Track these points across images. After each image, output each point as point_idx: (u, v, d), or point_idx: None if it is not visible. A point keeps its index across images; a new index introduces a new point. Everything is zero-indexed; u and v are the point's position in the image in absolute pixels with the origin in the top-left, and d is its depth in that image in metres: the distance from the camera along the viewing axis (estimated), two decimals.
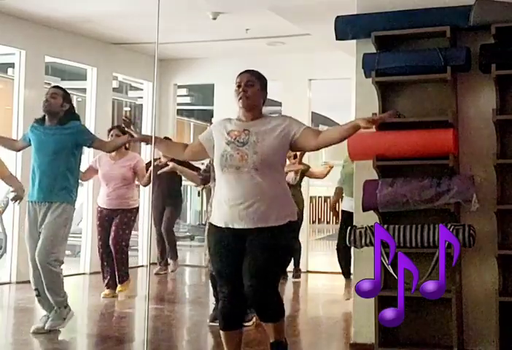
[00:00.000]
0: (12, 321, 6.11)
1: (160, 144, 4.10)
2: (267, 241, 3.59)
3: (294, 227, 3.76)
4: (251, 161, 3.60)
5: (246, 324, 5.61)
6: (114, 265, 6.98)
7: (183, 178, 8.45)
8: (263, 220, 3.60)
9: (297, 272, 8.55)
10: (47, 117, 5.23)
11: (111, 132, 7.07)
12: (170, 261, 8.91)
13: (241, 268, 3.62)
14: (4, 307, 6.79)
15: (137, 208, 7.10)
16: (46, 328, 5.15)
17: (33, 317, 6.36)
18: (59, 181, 5.11)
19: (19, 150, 5.65)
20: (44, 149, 5.15)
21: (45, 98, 5.22)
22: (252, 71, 3.82)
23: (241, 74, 3.79)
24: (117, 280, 7.01)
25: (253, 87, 3.72)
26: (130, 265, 7.16)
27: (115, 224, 6.90)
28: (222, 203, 3.68)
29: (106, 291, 7.01)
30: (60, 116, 5.20)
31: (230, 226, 3.65)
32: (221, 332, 3.77)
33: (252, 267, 3.58)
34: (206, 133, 3.88)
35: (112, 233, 6.89)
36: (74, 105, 5.47)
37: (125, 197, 6.93)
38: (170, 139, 8.47)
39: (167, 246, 8.81)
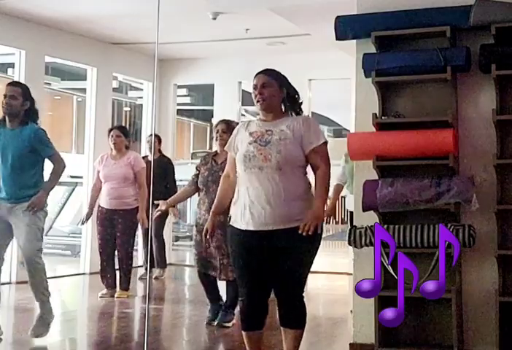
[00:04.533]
0: (12, 321, 6.10)
1: (223, 205, 3.88)
2: (292, 243, 3.57)
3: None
4: (275, 161, 3.57)
5: (226, 324, 5.61)
6: (119, 269, 7.00)
7: (176, 177, 8.43)
8: (286, 221, 3.57)
9: None
10: (7, 118, 4.94)
11: (111, 132, 7.09)
12: (157, 270, 8.46)
13: (262, 269, 3.64)
14: (4, 307, 6.79)
15: (138, 208, 7.11)
16: (30, 334, 4.94)
17: (33, 317, 6.37)
18: (25, 188, 4.88)
19: None
20: (7, 153, 4.90)
21: (4, 99, 4.88)
22: (267, 70, 3.79)
23: (256, 75, 3.76)
24: (119, 285, 7.02)
25: (269, 88, 3.69)
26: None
27: (119, 230, 6.91)
28: (243, 205, 3.64)
29: (104, 290, 7.00)
30: (20, 116, 4.92)
31: (253, 228, 3.61)
32: (243, 332, 3.79)
33: (281, 271, 3.60)
34: (230, 142, 3.83)
35: (119, 240, 6.93)
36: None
37: (126, 197, 6.94)
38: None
39: (154, 252, 8.38)
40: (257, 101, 3.70)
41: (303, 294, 3.74)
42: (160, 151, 8.43)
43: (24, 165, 4.89)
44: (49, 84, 12.45)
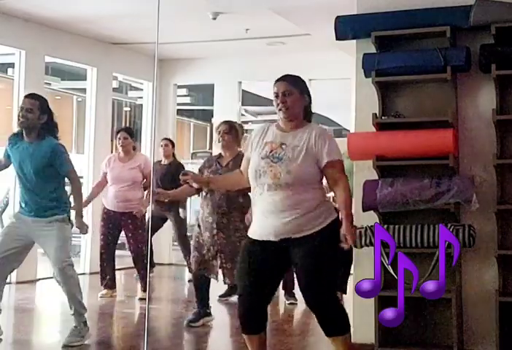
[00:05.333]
0: (12, 321, 6.10)
1: (216, 182, 4.00)
2: (307, 250, 3.52)
3: (333, 227, 3.57)
4: (284, 180, 3.50)
5: (195, 324, 5.55)
6: (137, 270, 7.01)
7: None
8: (299, 231, 3.52)
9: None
10: (24, 132, 4.84)
11: (119, 135, 7.02)
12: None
13: (264, 276, 3.59)
14: (4, 307, 6.78)
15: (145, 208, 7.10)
16: (63, 343, 4.81)
17: (33, 317, 6.37)
18: (46, 201, 4.80)
19: (5, 168, 5.12)
20: (25, 167, 4.81)
21: (20, 112, 4.77)
22: (287, 77, 3.69)
23: (276, 81, 3.66)
24: (141, 284, 7.00)
25: (292, 96, 3.60)
26: (129, 265, 7.16)
27: (130, 230, 6.87)
28: (257, 215, 3.63)
29: (104, 291, 6.99)
30: (37, 130, 4.80)
31: (265, 239, 3.58)
32: (244, 335, 3.74)
33: (304, 281, 3.56)
34: (247, 143, 3.77)
35: (131, 241, 6.87)
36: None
37: (134, 200, 6.90)
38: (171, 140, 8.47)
39: (183, 253, 8.13)
40: (279, 110, 3.60)
41: (336, 298, 3.65)
42: (173, 155, 8.27)
43: (43, 179, 4.78)
44: (49, 84, 12.43)
